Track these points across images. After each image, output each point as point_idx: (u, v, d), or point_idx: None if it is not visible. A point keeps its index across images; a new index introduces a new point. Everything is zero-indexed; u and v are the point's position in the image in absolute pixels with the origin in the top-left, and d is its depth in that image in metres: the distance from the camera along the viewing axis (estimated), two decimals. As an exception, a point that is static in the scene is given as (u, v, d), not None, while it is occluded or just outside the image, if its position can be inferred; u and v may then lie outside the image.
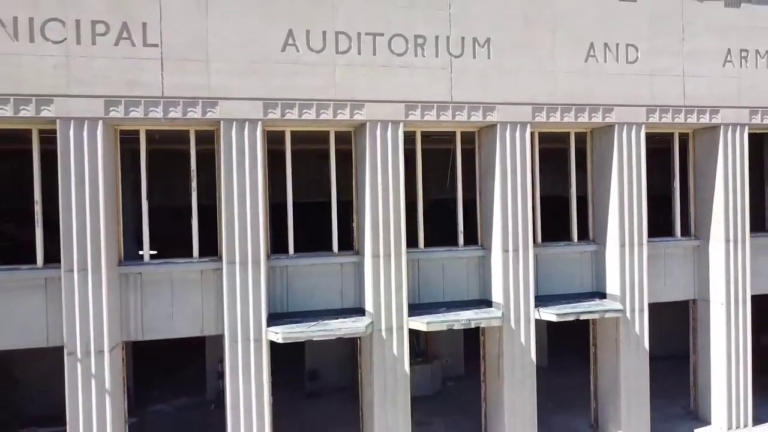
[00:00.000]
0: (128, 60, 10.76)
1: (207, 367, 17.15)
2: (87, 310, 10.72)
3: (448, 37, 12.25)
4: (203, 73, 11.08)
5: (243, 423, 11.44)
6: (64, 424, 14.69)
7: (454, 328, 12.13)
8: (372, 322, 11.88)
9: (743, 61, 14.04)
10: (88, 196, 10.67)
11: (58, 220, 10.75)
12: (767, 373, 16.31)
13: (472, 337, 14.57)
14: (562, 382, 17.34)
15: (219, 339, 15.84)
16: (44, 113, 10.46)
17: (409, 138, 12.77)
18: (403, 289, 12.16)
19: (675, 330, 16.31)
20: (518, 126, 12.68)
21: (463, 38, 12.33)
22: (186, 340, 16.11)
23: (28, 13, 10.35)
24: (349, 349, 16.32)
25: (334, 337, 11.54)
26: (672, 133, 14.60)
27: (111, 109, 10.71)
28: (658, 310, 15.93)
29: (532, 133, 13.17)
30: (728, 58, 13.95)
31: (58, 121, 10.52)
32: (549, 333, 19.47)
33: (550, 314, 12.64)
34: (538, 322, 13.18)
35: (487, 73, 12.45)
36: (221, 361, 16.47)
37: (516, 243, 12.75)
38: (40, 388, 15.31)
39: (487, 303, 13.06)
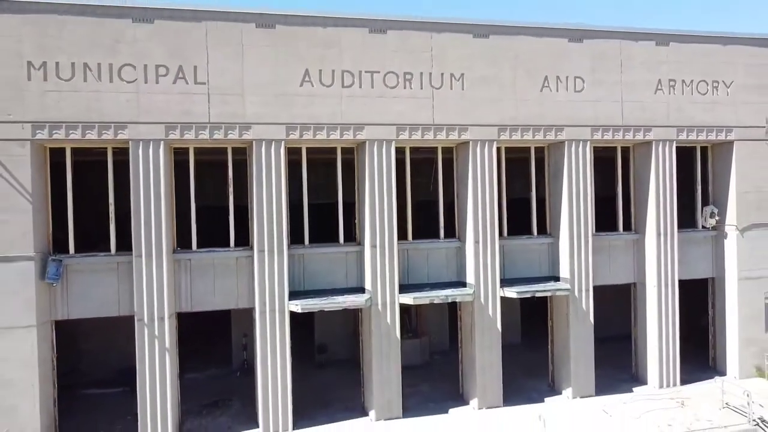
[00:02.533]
0: (183, 95, 14.03)
1: (233, 342, 20.39)
2: (152, 286, 14.00)
3: (430, 73, 15.50)
4: (240, 104, 14.34)
5: (270, 376, 14.71)
6: (120, 386, 18.03)
7: (435, 302, 15.43)
8: (370, 297, 15.13)
9: (671, 89, 17.28)
10: (153, 200, 13.94)
11: (124, 217, 14.08)
12: (694, 343, 19.50)
13: (456, 318, 17.68)
14: (531, 355, 20.42)
15: (243, 318, 19.19)
16: (120, 136, 13.74)
17: (400, 151, 16.01)
18: (395, 272, 15.40)
19: (627, 315, 19.28)
20: (486, 143, 15.93)
21: (442, 74, 15.58)
22: (213, 319, 19.45)
23: (108, 60, 13.62)
24: (351, 327, 19.46)
25: (341, 308, 14.84)
26: (615, 147, 17.84)
27: (170, 132, 13.98)
28: (614, 299, 19.12)
29: (498, 148, 16.44)
30: (659, 87, 17.18)
31: (130, 142, 13.80)
32: (522, 315, 22.75)
33: (512, 292, 15.91)
34: (506, 300, 16.46)
35: (461, 101, 15.70)
36: (245, 336, 19.89)
37: (485, 236, 16.00)
38: (99, 357, 18.52)
39: (462, 284, 16.29)
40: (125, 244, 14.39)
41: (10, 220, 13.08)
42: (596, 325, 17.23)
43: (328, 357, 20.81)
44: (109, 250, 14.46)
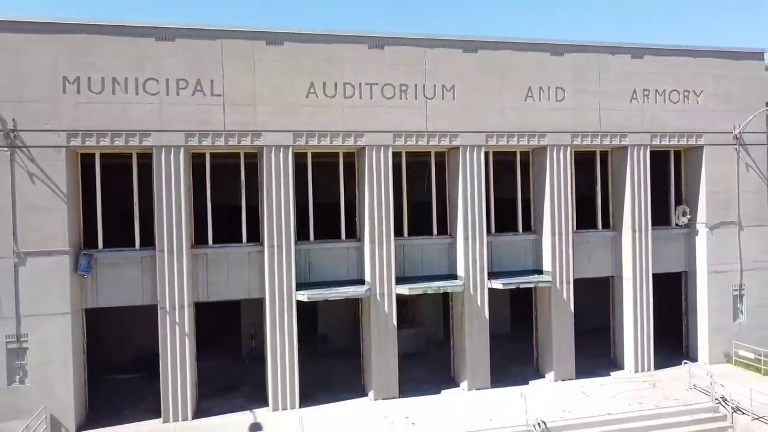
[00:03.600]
0: (201, 105, 15.58)
1: (242, 332, 21.94)
2: (173, 278, 15.56)
3: (424, 85, 17.06)
4: (252, 114, 15.89)
5: (279, 359, 16.26)
6: (138, 372, 19.54)
7: (428, 292, 16.99)
8: (369, 288, 16.68)
9: (645, 98, 18.83)
10: (173, 200, 15.49)
11: (147, 215, 15.65)
12: (670, 332, 21.01)
13: (449, 310, 19.22)
14: (519, 345, 21.91)
15: (251, 309, 20.72)
16: (144, 143, 15.30)
17: (397, 155, 17.56)
18: (392, 265, 16.95)
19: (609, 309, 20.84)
20: (475, 148, 17.48)
21: (435, 85, 17.13)
22: (224, 311, 20.96)
23: (134, 75, 15.18)
24: (352, 319, 20.89)
25: (343, 298, 16.40)
26: (594, 151, 19.40)
27: (189, 139, 15.54)
28: (597, 294, 20.61)
29: (486, 153, 18.01)
30: (634, 96, 18.74)
31: (153, 148, 15.36)
32: (512, 309, 24.32)
33: (498, 284, 17.45)
34: (497, 294, 18.01)
35: (452, 110, 17.25)
36: (253, 326, 21.43)
37: (474, 233, 17.55)
38: (118, 347, 20.06)
39: (453, 277, 17.85)
40: (148, 240, 15.98)
41: (49, 218, 14.64)
42: (581, 317, 18.78)
43: (330, 347, 22.35)
44: (134, 245, 16.02)
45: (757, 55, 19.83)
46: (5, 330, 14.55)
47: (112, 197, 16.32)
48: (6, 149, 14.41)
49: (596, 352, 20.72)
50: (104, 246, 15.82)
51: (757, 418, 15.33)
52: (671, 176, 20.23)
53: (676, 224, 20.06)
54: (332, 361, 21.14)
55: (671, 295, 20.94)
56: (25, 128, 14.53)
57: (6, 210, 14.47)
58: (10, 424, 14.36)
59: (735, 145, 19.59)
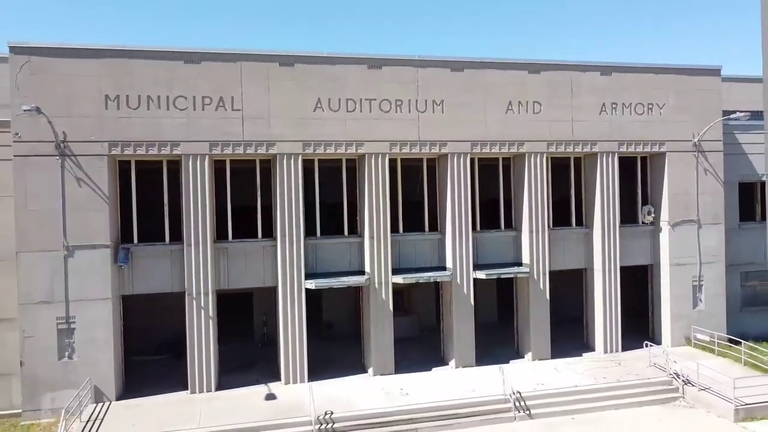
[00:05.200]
0: (223, 119, 17.98)
1: (255, 319, 24.34)
2: (198, 268, 17.97)
3: (416, 100, 19.45)
4: (266, 126, 18.28)
5: (290, 339, 18.68)
6: (163, 354, 21.91)
7: (420, 281, 19.42)
8: (369, 278, 19.09)
9: (613, 110, 21.23)
10: (199, 201, 17.89)
11: (175, 214, 18.06)
12: (638, 318, 23.44)
13: (440, 299, 21.60)
14: (504, 331, 24.21)
15: (263, 299, 23.10)
16: (174, 151, 17.70)
17: (393, 161, 19.95)
18: (388, 258, 19.36)
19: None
20: (462, 155, 19.88)
21: (426, 100, 19.53)
22: (238, 301, 23.33)
23: (166, 93, 17.57)
24: (353, 308, 23.23)
25: (345, 286, 18.84)
26: (569, 157, 21.81)
27: (213, 148, 17.93)
28: (576, 288, 22.96)
29: (472, 159, 20.42)
30: (603, 109, 21.13)
31: (182, 156, 17.76)
32: (498, 299, 26.71)
33: (481, 274, 19.87)
34: (484, 285, 20.44)
35: (442, 122, 19.64)
36: (265, 314, 23.83)
37: (461, 230, 19.96)
38: (144, 332, 22.42)
39: (443, 268, 20.26)
40: (176, 235, 18.39)
41: (93, 217, 17.04)
42: (563, 307, 20.93)
43: (333, 333, 24.73)
44: (164, 240, 18.42)
45: (715, 72, 22.22)
46: (56, 312, 16.95)
47: (145, 198, 18.67)
48: (57, 158, 16.81)
49: (571, 337, 23.09)
50: (139, 240, 18.22)
51: (702, 389, 17.74)
52: (638, 179, 22.64)
53: (642, 222, 22.46)
54: (335, 346, 23.47)
55: (638, 286, 23.39)
56: (74, 140, 16.91)
57: (57, 209, 16.86)
58: (60, 393, 16.76)
59: (694, 151, 21.98)
